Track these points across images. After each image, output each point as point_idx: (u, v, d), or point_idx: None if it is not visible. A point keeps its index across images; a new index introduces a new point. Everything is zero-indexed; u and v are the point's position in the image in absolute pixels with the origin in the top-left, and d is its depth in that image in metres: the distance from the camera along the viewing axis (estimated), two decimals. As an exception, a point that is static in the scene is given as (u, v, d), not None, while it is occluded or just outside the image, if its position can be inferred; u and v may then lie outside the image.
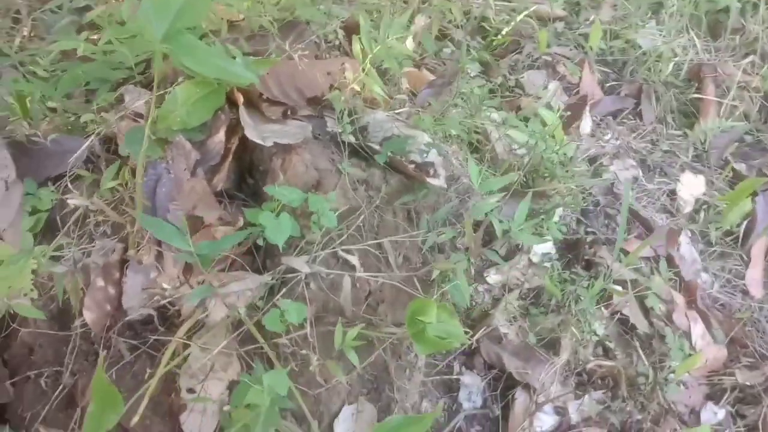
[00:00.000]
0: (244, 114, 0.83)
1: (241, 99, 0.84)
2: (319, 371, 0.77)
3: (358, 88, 0.85)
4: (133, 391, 0.72)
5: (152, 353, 0.78)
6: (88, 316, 0.76)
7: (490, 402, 1.21)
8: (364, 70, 0.82)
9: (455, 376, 1.20)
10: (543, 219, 1.45)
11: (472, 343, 1.28)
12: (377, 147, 0.88)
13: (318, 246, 0.81)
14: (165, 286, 0.75)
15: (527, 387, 1.20)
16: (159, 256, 0.79)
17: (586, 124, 2.03)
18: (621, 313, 1.54)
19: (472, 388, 1.22)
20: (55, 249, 0.82)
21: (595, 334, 1.28)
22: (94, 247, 0.82)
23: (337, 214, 0.81)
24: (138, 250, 0.77)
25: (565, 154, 1.52)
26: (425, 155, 0.88)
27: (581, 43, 2.23)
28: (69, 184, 0.85)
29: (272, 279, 0.79)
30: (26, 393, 0.85)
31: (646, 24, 2.29)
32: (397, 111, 0.95)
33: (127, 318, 0.75)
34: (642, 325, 1.53)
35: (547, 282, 1.30)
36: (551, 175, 1.48)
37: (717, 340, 1.61)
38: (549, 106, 1.66)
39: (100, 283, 0.77)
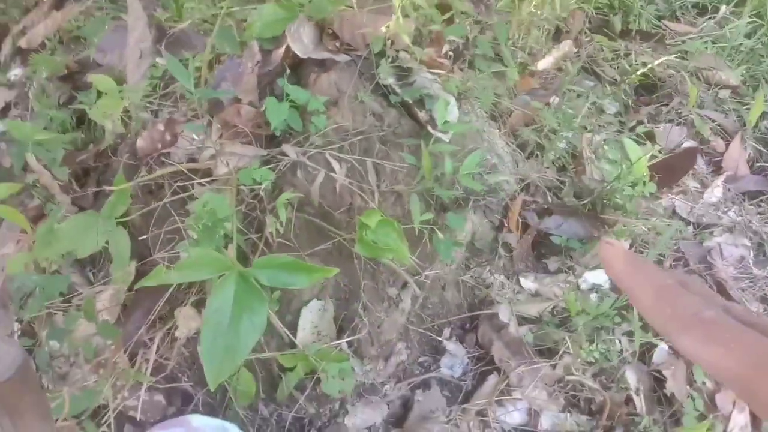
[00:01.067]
0: (295, 32, 1.03)
1: (300, 18, 1.04)
2: (275, 234, 0.93)
3: (389, 32, 1.00)
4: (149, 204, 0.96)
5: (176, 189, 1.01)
6: (140, 143, 1.01)
7: (468, 376, 1.27)
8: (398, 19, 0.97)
9: (443, 341, 1.29)
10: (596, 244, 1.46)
11: (472, 321, 1.35)
12: (399, 91, 1.02)
13: (312, 145, 0.97)
14: (195, 137, 0.97)
15: (505, 376, 1.24)
16: (209, 125, 1.02)
17: (713, 193, 1.95)
18: (660, 373, 1.49)
19: (456, 359, 1.29)
20: (147, 102, 1.09)
21: (595, 360, 1.27)
22: (176, 110, 1.08)
23: (337, 126, 0.97)
24: (193, 112, 1.01)
25: (647, 194, 1.50)
26: (436, 109, 1.00)
27: (742, 116, 2.12)
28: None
29: (267, 155, 0.97)
30: (88, 197, 1.14)
31: (829, 116, 2.10)
32: (435, 71, 1.08)
33: (165, 150, 0.99)
34: (679, 393, 1.46)
35: (570, 297, 1.32)
36: (621, 208, 1.48)
37: (762, 441, 1.48)
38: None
39: (161, 128, 1.02)
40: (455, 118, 1.02)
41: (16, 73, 1.94)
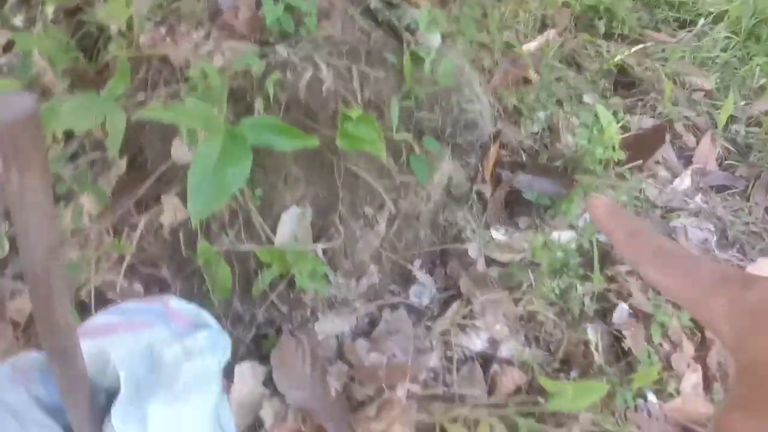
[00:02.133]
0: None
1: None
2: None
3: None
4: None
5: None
6: (143, 39, 1.09)
7: (435, 305, 1.34)
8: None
9: (414, 270, 1.36)
10: (566, 204, 1.55)
11: (442, 258, 1.43)
12: (387, 13, 1.12)
13: (300, 47, 1.06)
14: (194, 36, 1.06)
15: (468, 303, 1.31)
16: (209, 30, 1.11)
17: (683, 182, 2.05)
18: (620, 333, 1.56)
19: (425, 288, 1.36)
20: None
21: (556, 296, 1.35)
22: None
23: (328, 35, 1.06)
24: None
25: (617, 159, 1.60)
26: (423, 33, 1.09)
27: (714, 117, 2.24)
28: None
29: (260, 51, 1.05)
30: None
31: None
32: (423, 3, 1.18)
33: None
34: (637, 348, 1.54)
35: (537, 246, 1.39)
36: (592, 172, 1.57)
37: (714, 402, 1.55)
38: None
39: (163, 31, 1.10)
40: (437, 44, 1.11)
41: (21, 18, 2.03)
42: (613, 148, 1.57)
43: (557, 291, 1.34)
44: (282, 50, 1.03)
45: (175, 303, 1.09)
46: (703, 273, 0.30)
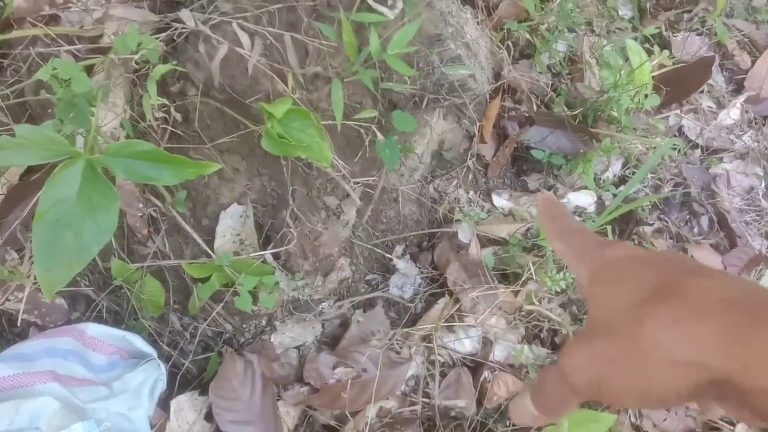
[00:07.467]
0: None
1: None
2: (154, 118, 0.75)
3: None
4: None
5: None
6: (18, 1, 0.82)
7: (418, 300, 1.12)
8: None
9: (393, 259, 1.12)
10: (582, 163, 1.26)
11: (431, 239, 1.19)
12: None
13: (218, 12, 0.77)
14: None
15: (457, 300, 1.08)
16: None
17: (729, 115, 1.70)
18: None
19: (408, 279, 1.13)
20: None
21: (562, 290, 1.10)
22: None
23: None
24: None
25: (649, 107, 1.28)
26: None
27: (780, 29, 1.82)
28: None
29: (159, 21, 0.78)
30: None
31: None
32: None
33: (51, 12, 0.80)
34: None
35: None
36: (616, 121, 1.26)
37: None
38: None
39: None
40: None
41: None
42: (645, 95, 1.24)
43: (563, 284, 1.10)
44: (188, 17, 0.75)
45: (94, 330, 0.90)
46: (585, 241, 0.38)
